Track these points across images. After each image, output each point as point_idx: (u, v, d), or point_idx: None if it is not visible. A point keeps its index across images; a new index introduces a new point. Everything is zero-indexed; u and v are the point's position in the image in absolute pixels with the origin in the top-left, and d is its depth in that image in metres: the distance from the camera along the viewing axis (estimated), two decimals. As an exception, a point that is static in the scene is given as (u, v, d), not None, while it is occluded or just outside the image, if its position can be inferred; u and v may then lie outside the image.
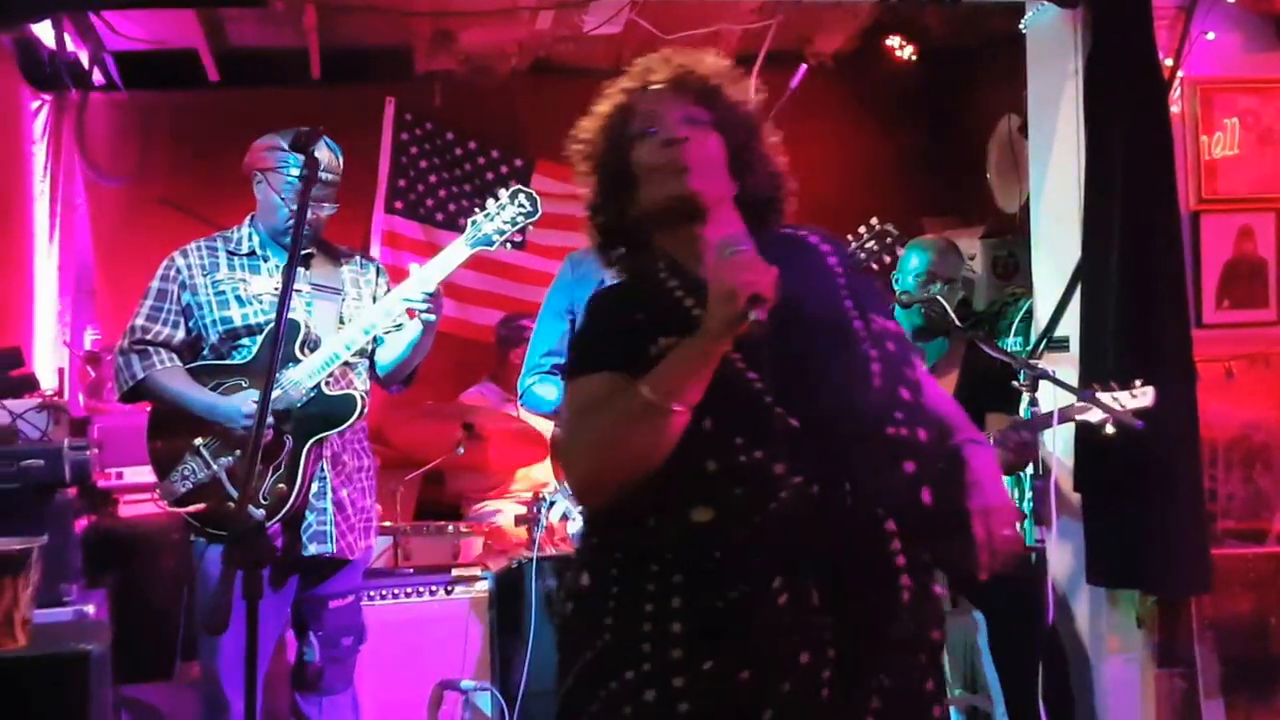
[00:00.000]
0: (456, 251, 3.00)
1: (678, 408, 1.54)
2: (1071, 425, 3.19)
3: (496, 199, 3.02)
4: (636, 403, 1.55)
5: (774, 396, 1.60)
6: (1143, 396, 3.02)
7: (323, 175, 2.85)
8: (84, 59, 4.68)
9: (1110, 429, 2.98)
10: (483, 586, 3.80)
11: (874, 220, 3.59)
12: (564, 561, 3.78)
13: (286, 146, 2.99)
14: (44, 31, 4.43)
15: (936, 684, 1.70)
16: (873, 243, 3.54)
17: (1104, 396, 3.02)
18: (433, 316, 2.97)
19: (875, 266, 3.60)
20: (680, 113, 1.72)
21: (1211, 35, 3.56)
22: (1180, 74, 3.54)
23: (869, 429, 1.62)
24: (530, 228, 3.16)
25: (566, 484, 1.72)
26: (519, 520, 4.16)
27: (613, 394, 1.59)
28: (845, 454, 1.59)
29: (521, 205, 3.00)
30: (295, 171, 2.97)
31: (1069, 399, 3.12)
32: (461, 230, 3.05)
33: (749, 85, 1.81)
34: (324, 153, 2.95)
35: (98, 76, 4.81)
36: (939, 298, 3.44)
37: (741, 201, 1.76)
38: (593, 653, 1.65)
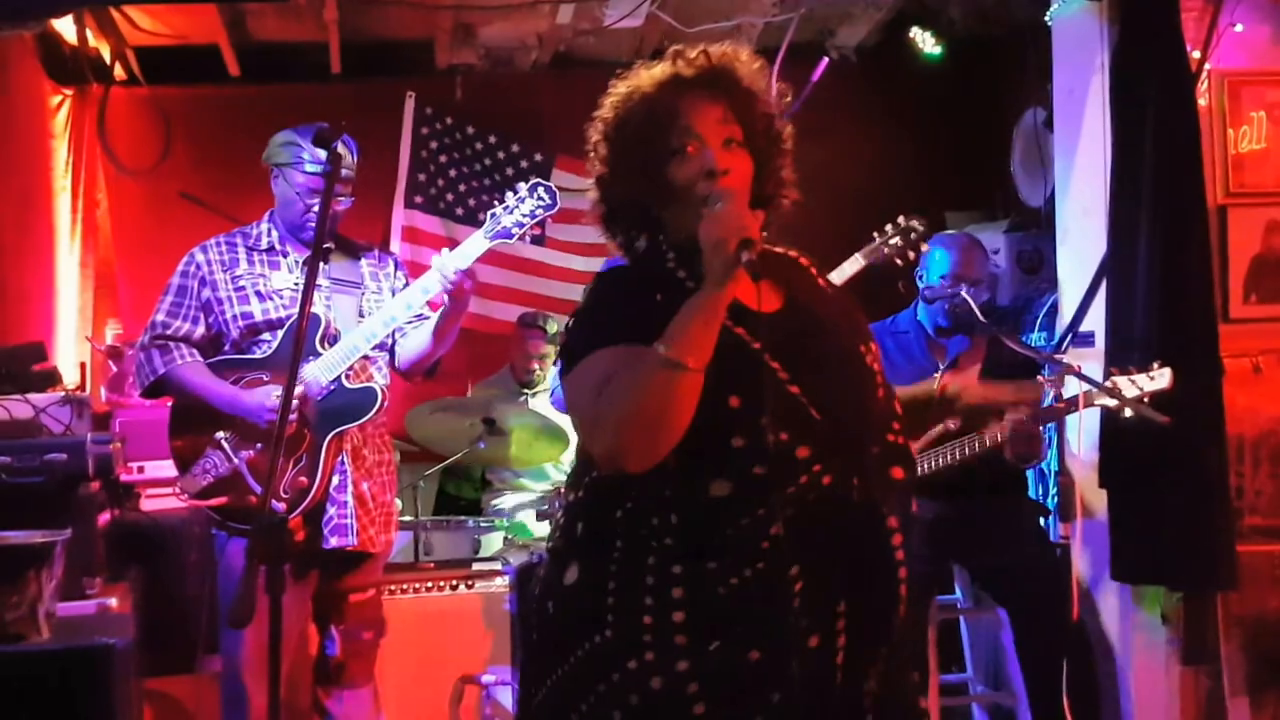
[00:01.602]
0: (476, 243, 3.01)
1: (691, 363, 1.56)
2: (1097, 420, 3.17)
3: (515, 192, 3.03)
4: (652, 362, 1.57)
5: (796, 387, 1.64)
6: (1160, 378, 3.01)
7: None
8: (106, 54, 4.70)
9: (1129, 412, 2.96)
10: (503, 581, 3.80)
11: (901, 218, 3.57)
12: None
13: (302, 141, 3.01)
14: (66, 26, 4.44)
15: (921, 676, 1.80)
16: (897, 239, 3.52)
17: (1121, 380, 3.00)
18: (454, 289, 2.95)
19: (899, 262, 3.56)
20: (720, 134, 1.72)
21: (1240, 27, 3.52)
22: (1208, 66, 3.50)
23: (875, 432, 1.71)
24: (549, 222, 3.16)
25: (596, 454, 1.69)
26: (540, 514, 4.17)
27: (629, 362, 1.61)
28: (856, 450, 1.66)
29: (540, 198, 3.01)
30: (311, 166, 2.99)
31: (1081, 390, 3.10)
32: (481, 225, 3.06)
33: (776, 88, 1.80)
34: (338, 148, 2.95)
35: (119, 71, 4.82)
36: (965, 296, 3.41)
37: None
38: (588, 646, 1.64)
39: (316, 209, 2.98)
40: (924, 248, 3.51)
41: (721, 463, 1.61)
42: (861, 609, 1.64)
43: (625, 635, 1.62)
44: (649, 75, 1.77)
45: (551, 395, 3.63)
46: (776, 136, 1.79)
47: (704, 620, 1.60)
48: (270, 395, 2.92)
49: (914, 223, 3.53)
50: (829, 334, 1.73)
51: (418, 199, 5.23)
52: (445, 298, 2.97)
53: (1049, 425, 3.43)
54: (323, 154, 2.96)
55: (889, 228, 3.55)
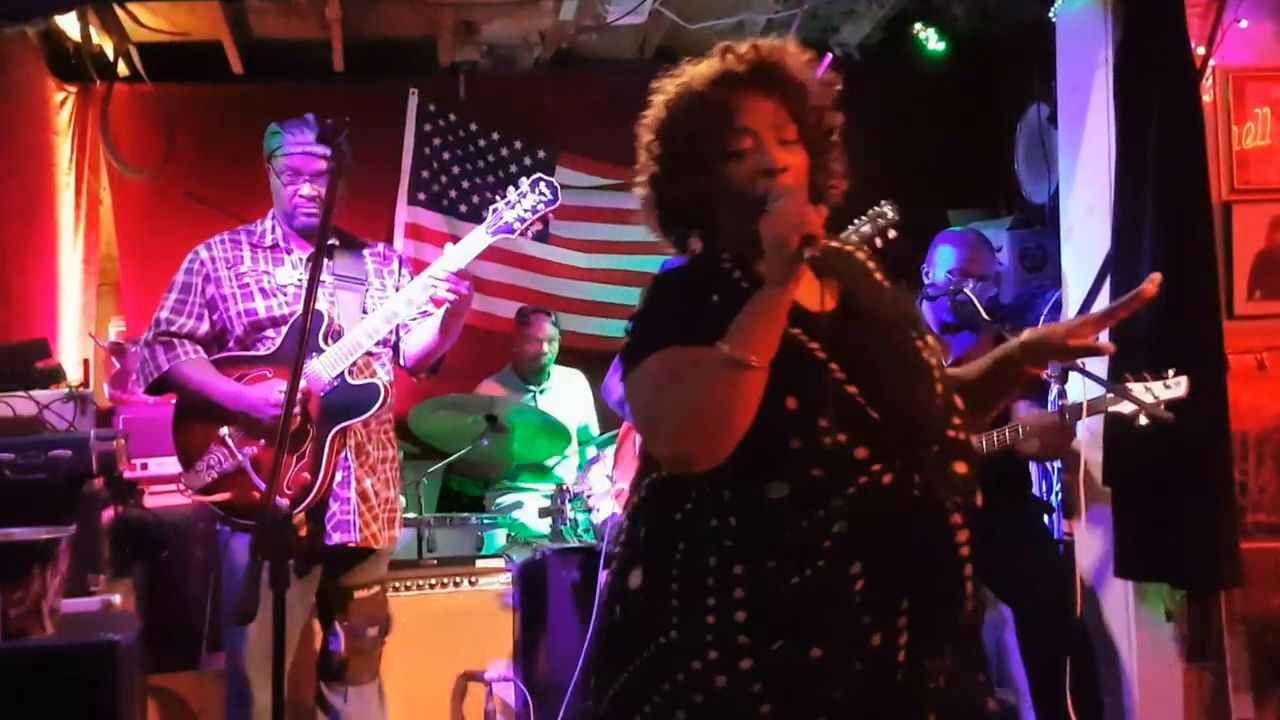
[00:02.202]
0: (477, 239, 3.02)
1: (755, 361, 1.56)
2: (1101, 417, 3.16)
3: (517, 187, 3.03)
4: (716, 361, 1.57)
5: (854, 387, 1.63)
6: (1176, 387, 2.99)
7: (317, 151, 2.96)
8: (109, 51, 4.70)
9: (1144, 420, 2.95)
10: (506, 578, 3.80)
11: (877, 205, 3.50)
12: (589, 556, 3.78)
13: (282, 129, 3.04)
14: (69, 24, 4.45)
15: (986, 677, 1.76)
16: (867, 226, 3.45)
17: (1136, 387, 2.99)
18: (453, 296, 2.97)
19: (867, 249, 3.49)
20: (776, 131, 1.71)
21: (1244, 23, 3.51)
22: (1212, 63, 3.49)
23: (935, 429, 1.68)
24: (552, 219, 3.17)
25: (660, 454, 1.68)
26: (542, 512, 4.17)
27: (691, 361, 1.60)
28: (916, 448, 1.64)
29: (542, 193, 3.02)
30: (290, 148, 3.01)
31: (1098, 390, 3.09)
32: (484, 222, 3.06)
33: (824, 78, 1.78)
34: (312, 132, 2.99)
35: (122, 69, 4.82)
36: (969, 293, 3.40)
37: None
38: (653, 648, 1.64)
39: (302, 192, 3.03)
40: (892, 234, 3.44)
41: (779, 465, 1.60)
42: (925, 606, 1.63)
43: (689, 636, 1.62)
44: (699, 72, 1.75)
45: (604, 389, 3.63)
46: (828, 130, 1.77)
47: (766, 619, 1.59)
48: (274, 390, 2.92)
49: (884, 208, 3.45)
50: (886, 330, 1.72)
51: (421, 196, 5.23)
52: (447, 296, 2.97)
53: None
54: (304, 137, 2.99)
55: (860, 217, 3.48)
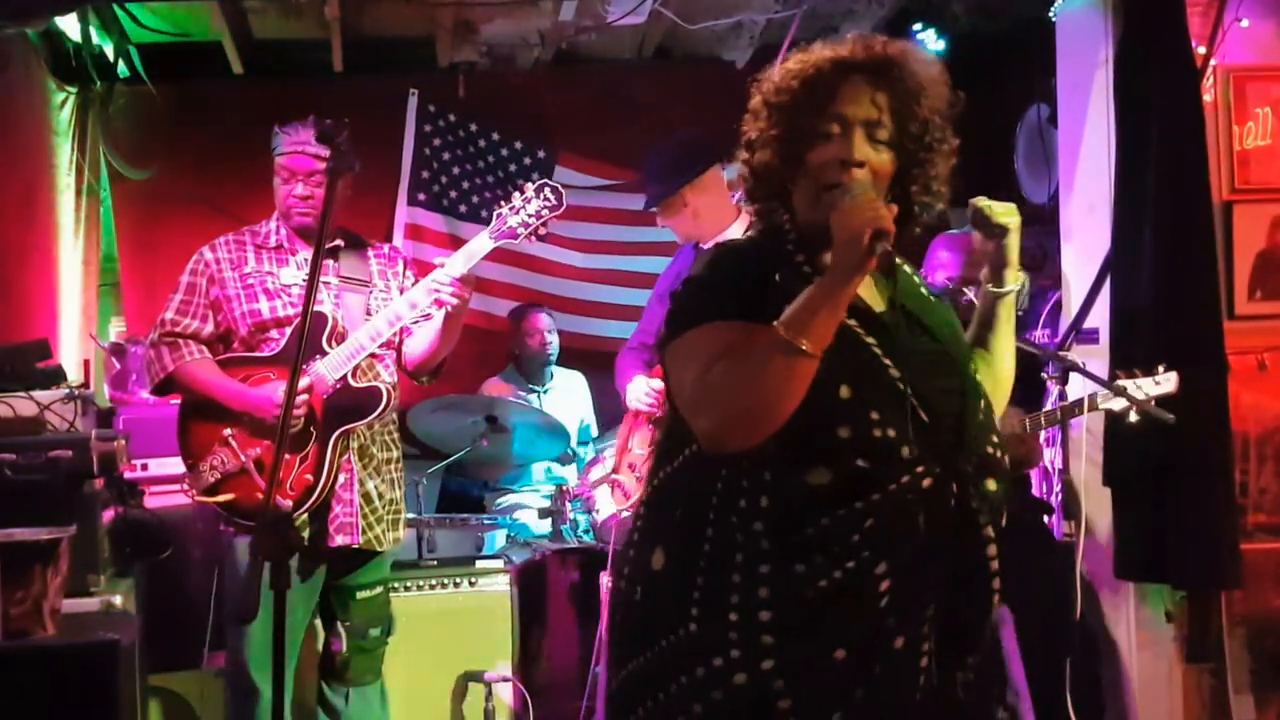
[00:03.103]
0: (481, 243, 3.02)
1: (810, 348, 1.55)
2: (1102, 418, 3.16)
3: (522, 192, 3.02)
4: (770, 341, 1.56)
5: (908, 389, 1.63)
6: (1166, 382, 3.00)
7: (310, 151, 2.98)
8: (109, 51, 4.69)
9: (1134, 417, 2.95)
10: (506, 579, 3.80)
11: None
12: (589, 556, 3.78)
13: (279, 130, 3.06)
14: (69, 24, 4.44)
15: (1000, 690, 1.82)
16: None
17: (1127, 384, 2.99)
18: (455, 300, 2.97)
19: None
20: (869, 129, 1.69)
21: (1245, 23, 3.51)
22: (1213, 62, 3.49)
23: (977, 443, 1.68)
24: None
25: (699, 429, 1.66)
26: (542, 513, 4.17)
27: (744, 339, 1.59)
28: (957, 458, 1.64)
29: (546, 198, 3.01)
30: (284, 148, 3.03)
31: (1096, 389, 3.09)
32: (484, 222, 3.06)
33: (951, 95, 1.75)
34: (307, 132, 3.00)
35: (122, 69, 4.82)
36: (971, 296, 3.40)
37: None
38: (673, 638, 1.63)
39: (296, 193, 3.04)
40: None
41: (825, 451, 1.59)
42: (952, 616, 1.63)
43: (711, 631, 1.61)
44: (823, 53, 1.74)
45: (624, 353, 3.63)
46: (932, 143, 1.74)
47: (791, 620, 1.59)
48: (277, 391, 2.93)
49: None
50: (936, 339, 1.73)
51: (420, 196, 5.23)
52: (450, 300, 2.97)
53: (1048, 426, 3.41)
54: (298, 137, 3.00)
55: None
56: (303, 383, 2.88)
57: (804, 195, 1.72)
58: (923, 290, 1.82)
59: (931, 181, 1.76)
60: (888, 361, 1.64)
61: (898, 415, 1.60)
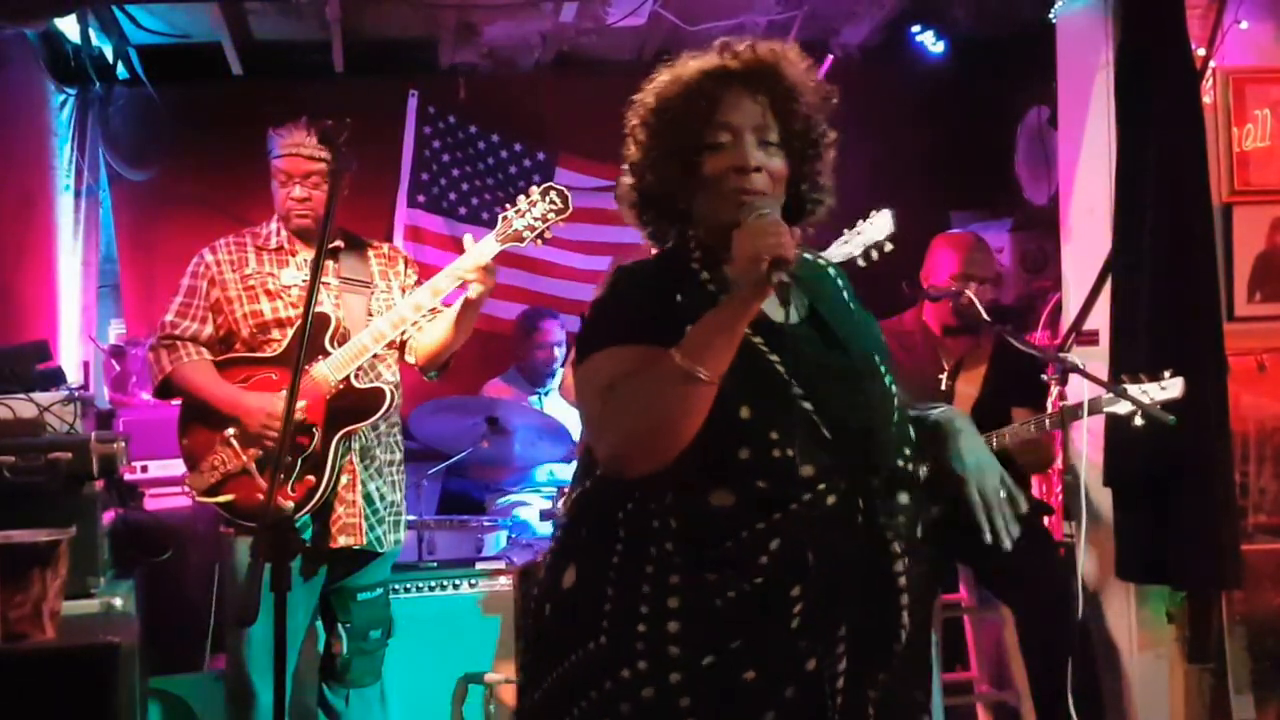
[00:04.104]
0: (487, 247, 2.99)
1: (706, 375, 1.53)
2: (1102, 419, 3.16)
3: (528, 196, 3.01)
4: (668, 368, 1.54)
5: (811, 404, 1.61)
6: (1171, 388, 2.99)
7: (304, 153, 2.99)
8: (108, 53, 4.69)
9: (1139, 420, 2.95)
10: (507, 580, 3.80)
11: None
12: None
13: (273, 131, 3.06)
14: (68, 25, 4.44)
15: (925, 694, 1.75)
16: (860, 237, 3.30)
17: (1132, 389, 2.99)
18: (481, 287, 2.96)
19: (862, 264, 3.42)
20: (757, 131, 1.68)
21: (1245, 24, 3.52)
22: (1212, 64, 3.50)
23: (885, 456, 1.66)
24: (551, 220, 3.16)
25: (600, 454, 1.65)
26: (543, 515, 4.16)
27: (643, 364, 1.58)
28: (863, 474, 1.62)
29: (553, 202, 3.00)
30: (277, 152, 3.04)
31: (1099, 392, 3.09)
32: (484, 224, 3.06)
33: (823, 90, 1.74)
34: (300, 134, 3.00)
35: (121, 70, 4.82)
36: (970, 295, 3.40)
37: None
38: (582, 653, 1.62)
39: (293, 195, 3.04)
40: (889, 247, 3.39)
41: (726, 473, 1.58)
42: (862, 634, 1.61)
43: (619, 643, 1.60)
44: (694, 64, 1.74)
45: (561, 385, 3.60)
46: (817, 140, 1.74)
47: (699, 633, 1.57)
48: (271, 402, 2.92)
49: (879, 221, 3.32)
50: (849, 351, 1.70)
51: (420, 198, 5.23)
52: (473, 288, 2.96)
53: (1053, 429, 3.41)
54: (293, 139, 3.00)
55: (858, 222, 3.38)
56: (300, 405, 2.86)
57: (704, 205, 1.70)
58: (845, 297, 1.80)
59: (819, 178, 1.76)
60: (789, 379, 1.61)
61: (799, 434, 1.58)
